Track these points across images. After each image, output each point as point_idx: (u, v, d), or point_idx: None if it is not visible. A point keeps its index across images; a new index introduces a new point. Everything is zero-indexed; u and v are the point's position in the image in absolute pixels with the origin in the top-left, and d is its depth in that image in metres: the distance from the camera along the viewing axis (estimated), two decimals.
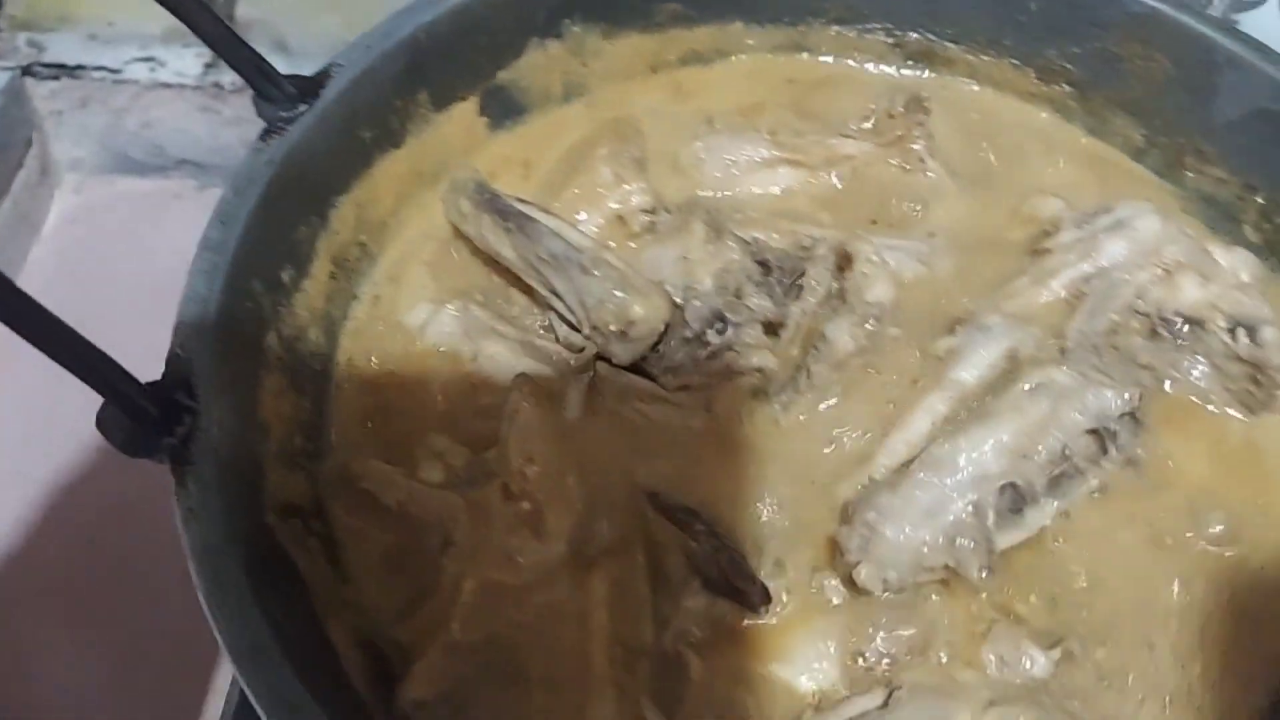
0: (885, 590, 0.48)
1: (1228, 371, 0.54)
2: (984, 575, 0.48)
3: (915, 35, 0.70)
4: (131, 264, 0.99)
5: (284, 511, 0.49)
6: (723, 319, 0.55)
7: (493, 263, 0.61)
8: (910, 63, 0.71)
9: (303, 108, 0.56)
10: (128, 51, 0.96)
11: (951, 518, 0.48)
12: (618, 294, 0.55)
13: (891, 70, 0.72)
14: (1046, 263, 0.58)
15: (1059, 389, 0.50)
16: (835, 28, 0.71)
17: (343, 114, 0.57)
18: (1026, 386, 0.51)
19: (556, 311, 0.58)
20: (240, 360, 0.50)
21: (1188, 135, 0.65)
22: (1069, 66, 0.67)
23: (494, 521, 0.52)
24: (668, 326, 0.56)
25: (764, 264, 0.56)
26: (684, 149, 0.66)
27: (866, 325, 0.56)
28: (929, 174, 0.65)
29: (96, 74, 0.96)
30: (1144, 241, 0.56)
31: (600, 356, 0.57)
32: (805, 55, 0.72)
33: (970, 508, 0.48)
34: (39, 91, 0.96)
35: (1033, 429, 0.50)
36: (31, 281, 0.97)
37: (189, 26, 0.52)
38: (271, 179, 0.53)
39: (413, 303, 0.61)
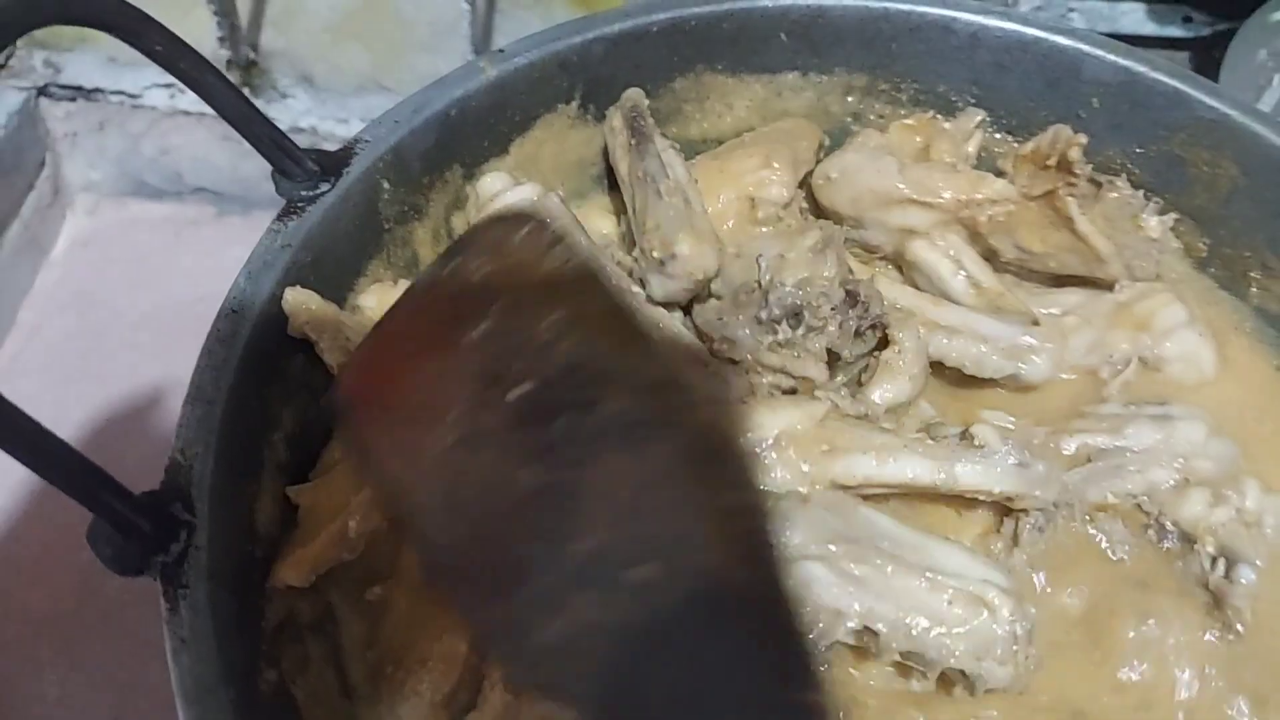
0: None
1: (1194, 593, 0.50)
2: None
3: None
4: (142, 290, 0.96)
5: (281, 632, 0.46)
6: (801, 317, 0.52)
7: None
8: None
9: (324, 186, 0.53)
10: (148, 76, 0.93)
11: None
12: (674, 222, 0.55)
13: None
14: (1076, 423, 0.55)
15: None
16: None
17: (366, 193, 0.54)
18: None
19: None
20: (241, 466, 0.47)
21: (1254, 249, 0.61)
22: (1130, 166, 0.64)
23: None
24: (718, 290, 0.55)
25: (852, 295, 0.53)
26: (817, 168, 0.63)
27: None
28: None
29: (114, 98, 0.93)
30: (1175, 445, 0.53)
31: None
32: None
33: None
34: (54, 113, 0.94)
35: None
36: (38, 305, 0.94)
37: (203, 98, 0.49)
38: (289, 264, 0.50)
39: None
